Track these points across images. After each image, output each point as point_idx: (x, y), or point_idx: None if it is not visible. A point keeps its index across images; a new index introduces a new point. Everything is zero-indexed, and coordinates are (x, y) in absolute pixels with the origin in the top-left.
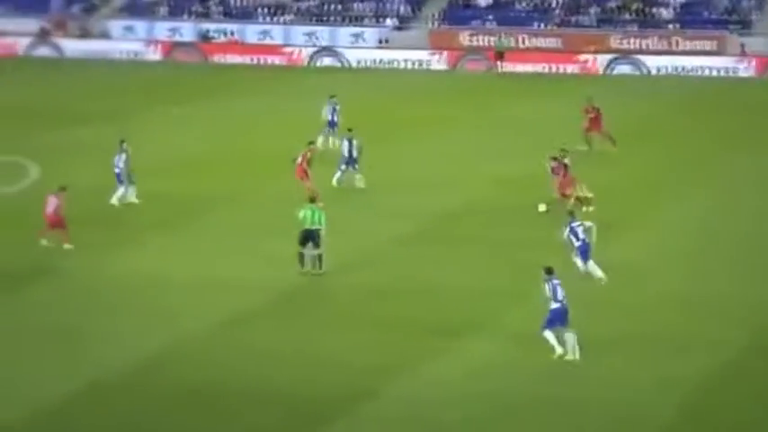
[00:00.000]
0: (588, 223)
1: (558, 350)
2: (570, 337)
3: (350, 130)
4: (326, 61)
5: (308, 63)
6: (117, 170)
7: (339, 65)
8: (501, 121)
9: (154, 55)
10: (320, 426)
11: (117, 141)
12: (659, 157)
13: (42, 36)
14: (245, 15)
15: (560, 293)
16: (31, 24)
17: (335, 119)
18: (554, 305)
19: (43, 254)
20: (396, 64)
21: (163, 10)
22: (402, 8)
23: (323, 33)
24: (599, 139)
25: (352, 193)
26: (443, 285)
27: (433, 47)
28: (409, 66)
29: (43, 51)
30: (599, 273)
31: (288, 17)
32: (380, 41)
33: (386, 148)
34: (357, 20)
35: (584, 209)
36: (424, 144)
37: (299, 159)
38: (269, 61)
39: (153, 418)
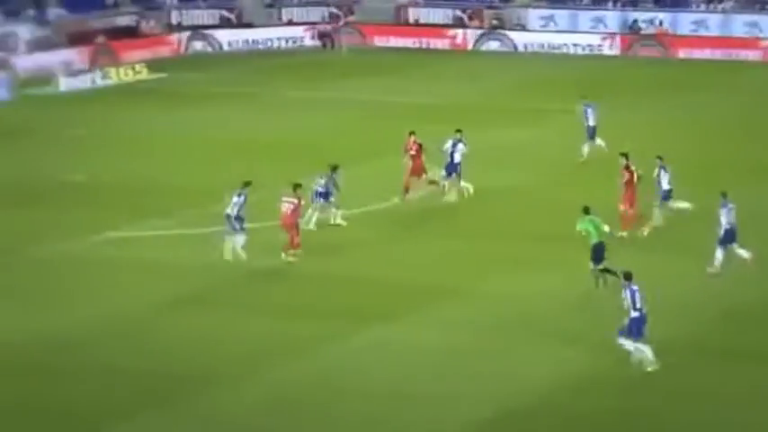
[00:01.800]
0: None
1: (638, 358)
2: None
3: (459, 131)
4: None
5: None
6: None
7: None
8: None
9: (610, 50)
10: None
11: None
12: None
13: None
14: (678, 2)
15: (639, 301)
16: (446, 16)
17: (591, 123)
18: (633, 314)
19: (447, 272)
20: None
21: None
22: None
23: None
24: None
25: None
26: None
27: None
28: None
29: (493, 45)
30: (716, 263)
31: (727, 4)
32: None
33: None
34: None
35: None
36: None
37: (412, 152)
38: (733, 56)
39: None
